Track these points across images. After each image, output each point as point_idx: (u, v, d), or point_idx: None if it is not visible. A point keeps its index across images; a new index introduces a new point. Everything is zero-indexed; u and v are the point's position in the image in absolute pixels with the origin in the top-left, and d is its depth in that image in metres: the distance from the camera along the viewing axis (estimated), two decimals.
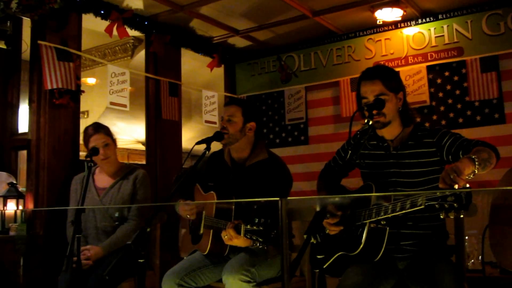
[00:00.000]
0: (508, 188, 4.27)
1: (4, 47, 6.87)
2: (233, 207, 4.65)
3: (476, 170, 3.31)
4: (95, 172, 5.76)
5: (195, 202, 5.13)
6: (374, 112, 3.91)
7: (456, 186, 3.12)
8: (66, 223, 5.67)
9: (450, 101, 8.18)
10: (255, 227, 4.11)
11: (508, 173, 4.26)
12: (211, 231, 4.76)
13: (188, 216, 5.02)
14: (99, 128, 5.56)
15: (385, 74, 4.07)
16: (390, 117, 3.99)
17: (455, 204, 3.06)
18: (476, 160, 3.32)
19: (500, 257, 3.99)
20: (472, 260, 5.86)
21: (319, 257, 4.13)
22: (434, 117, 8.24)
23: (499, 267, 5.26)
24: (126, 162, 6.05)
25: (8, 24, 6.87)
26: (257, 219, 4.12)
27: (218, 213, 4.80)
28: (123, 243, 5.18)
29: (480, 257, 5.48)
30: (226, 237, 4.36)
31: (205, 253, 4.81)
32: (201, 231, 4.94)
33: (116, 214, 5.45)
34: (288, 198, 3.13)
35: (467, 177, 3.23)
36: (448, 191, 3.12)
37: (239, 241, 4.32)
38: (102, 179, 5.71)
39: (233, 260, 4.59)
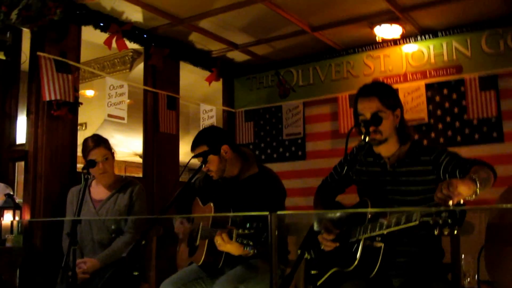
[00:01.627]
0: (502, 206, 4.27)
1: (3, 57, 6.88)
2: (230, 218, 4.65)
3: (478, 190, 3.27)
4: (91, 184, 5.76)
5: (188, 216, 5.19)
6: (371, 129, 3.91)
7: (450, 202, 3.11)
8: (62, 235, 5.67)
9: (448, 119, 8.19)
10: (246, 231, 4.12)
11: (505, 192, 4.25)
12: (206, 241, 4.78)
13: (181, 235, 5.10)
14: (100, 142, 5.55)
15: (382, 91, 4.06)
16: (386, 134, 3.98)
17: (449, 220, 3.03)
18: (477, 180, 3.29)
19: (495, 276, 4.00)
20: (468, 279, 5.85)
21: (313, 272, 4.11)
22: (432, 135, 8.25)
23: (494, 287, 5.26)
24: (122, 175, 6.03)
25: (8, 35, 6.90)
26: (248, 224, 4.13)
27: (214, 223, 4.83)
28: (120, 256, 5.19)
29: (476, 276, 5.47)
30: (218, 242, 4.35)
31: (200, 263, 4.81)
32: (197, 243, 4.95)
33: (113, 227, 5.46)
34: (278, 212, 3.14)
35: (468, 197, 3.21)
36: (443, 207, 3.09)
37: (232, 247, 4.32)
38: (99, 191, 5.71)
39: (223, 277, 4.60)
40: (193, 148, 4.94)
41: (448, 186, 3.14)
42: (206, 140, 4.88)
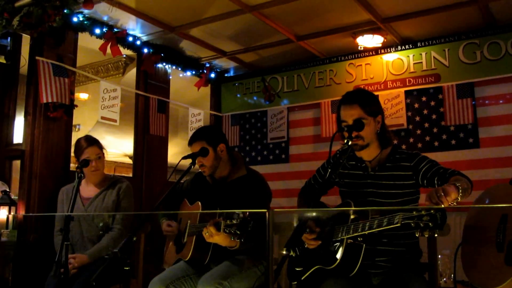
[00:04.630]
0: (480, 206, 4.44)
1: (4, 61, 7.11)
2: (218, 213, 4.71)
3: (459, 198, 3.46)
4: (81, 182, 5.80)
5: (178, 212, 5.37)
6: (354, 134, 4.06)
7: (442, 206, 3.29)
8: (54, 232, 5.82)
9: (426, 125, 8.40)
10: (234, 221, 4.21)
11: (481, 196, 4.42)
12: (194, 237, 4.90)
13: (170, 234, 5.29)
14: (93, 141, 5.72)
15: (364, 99, 4.20)
16: (368, 140, 4.14)
17: (430, 224, 3.17)
18: (460, 188, 3.48)
19: (472, 275, 4.10)
20: (445, 279, 5.96)
21: (297, 269, 4.23)
22: (411, 140, 8.46)
23: (470, 285, 5.39)
24: (111, 174, 6.18)
25: (8, 40, 7.13)
26: (235, 215, 4.23)
27: (202, 220, 4.95)
28: (108, 251, 5.25)
29: (452, 275, 5.59)
30: (207, 234, 4.43)
31: (187, 259, 4.93)
32: (185, 240, 5.07)
33: (101, 223, 5.61)
34: (276, 210, 3.27)
35: (450, 203, 3.40)
36: (424, 211, 3.22)
37: (220, 238, 4.40)
38: (88, 189, 5.85)
39: (207, 274, 4.70)
40: (191, 142, 5.07)
41: (443, 192, 3.38)
42: (205, 136, 5.03)
